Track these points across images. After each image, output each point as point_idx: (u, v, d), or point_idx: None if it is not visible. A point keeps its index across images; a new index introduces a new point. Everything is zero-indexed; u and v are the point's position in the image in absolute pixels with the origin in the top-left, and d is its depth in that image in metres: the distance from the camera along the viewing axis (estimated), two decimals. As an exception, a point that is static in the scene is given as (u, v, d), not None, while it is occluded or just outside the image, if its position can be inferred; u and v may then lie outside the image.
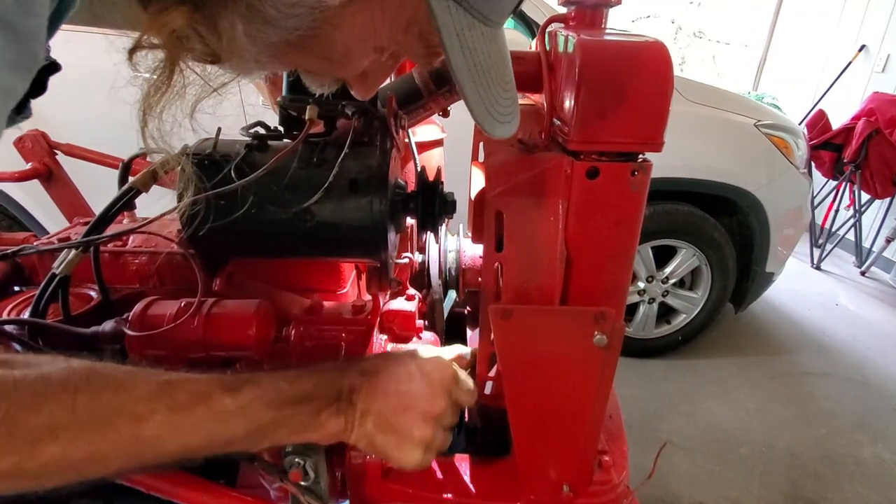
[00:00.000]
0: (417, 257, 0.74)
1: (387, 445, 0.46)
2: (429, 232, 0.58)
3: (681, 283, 2.12)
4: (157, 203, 0.58)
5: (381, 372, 0.47)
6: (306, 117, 0.50)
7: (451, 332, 0.87)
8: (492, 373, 0.59)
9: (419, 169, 0.59)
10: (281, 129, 0.56)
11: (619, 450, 0.68)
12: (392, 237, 0.56)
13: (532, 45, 0.83)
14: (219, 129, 0.53)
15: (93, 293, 0.67)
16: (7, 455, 0.31)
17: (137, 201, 0.59)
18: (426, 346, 0.59)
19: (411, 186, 0.61)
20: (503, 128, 0.39)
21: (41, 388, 0.32)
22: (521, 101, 0.75)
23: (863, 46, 3.52)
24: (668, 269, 2.05)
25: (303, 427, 0.43)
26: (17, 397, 0.31)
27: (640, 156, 0.49)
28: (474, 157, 0.85)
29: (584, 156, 0.49)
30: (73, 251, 0.56)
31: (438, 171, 0.58)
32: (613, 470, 0.64)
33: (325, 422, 0.44)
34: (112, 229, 0.57)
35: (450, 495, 0.62)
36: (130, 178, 0.58)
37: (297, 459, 0.52)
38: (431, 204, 0.55)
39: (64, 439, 0.32)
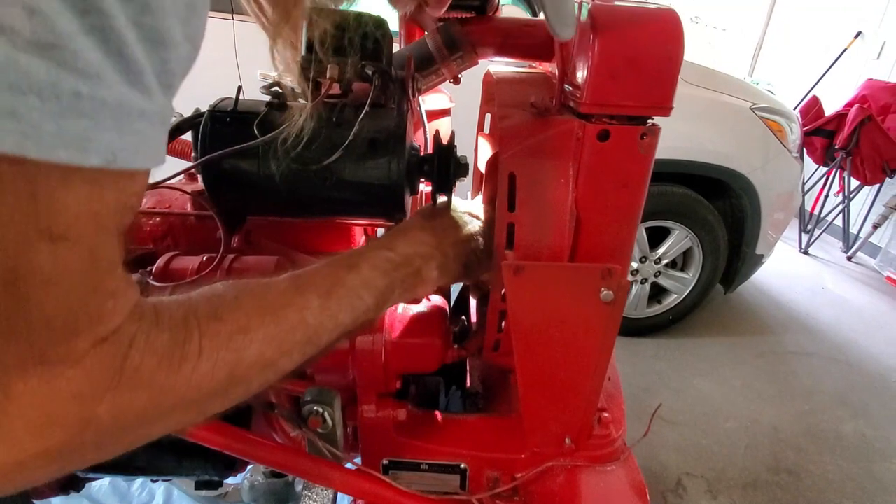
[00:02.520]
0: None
1: (466, 277, 0.58)
2: (442, 195, 0.60)
3: (672, 264, 2.16)
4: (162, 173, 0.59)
5: (449, 227, 0.56)
6: (327, 77, 0.51)
7: (458, 302, 0.89)
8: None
9: (434, 133, 0.60)
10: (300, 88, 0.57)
11: (618, 408, 0.72)
12: (407, 199, 0.58)
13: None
14: (239, 88, 0.55)
15: (164, 299, 0.69)
16: (221, 366, 0.32)
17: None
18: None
19: (422, 152, 0.62)
20: (569, 30, 0.44)
21: (209, 298, 0.34)
22: (531, 70, 0.76)
23: (859, 33, 3.55)
24: (660, 250, 2.09)
25: (412, 285, 0.49)
26: (198, 312, 0.32)
27: (649, 120, 0.51)
28: (480, 128, 0.86)
29: (595, 118, 0.51)
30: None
31: (452, 135, 0.60)
32: (612, 426, 0.68)
33: (428, 274, 0.51)
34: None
35: (458, 448, 0.66)
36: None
37: (315, 408, 0.55)
38: (447, 166, 0.57)
39: (255, 340, 0.34)
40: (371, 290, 0.44)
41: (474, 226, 0.58)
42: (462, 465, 0.65)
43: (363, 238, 0.78)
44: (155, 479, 0.71)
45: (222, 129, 0.52)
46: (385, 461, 0.65)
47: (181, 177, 0.61)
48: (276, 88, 0.55)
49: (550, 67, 0.70)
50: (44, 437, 0.25)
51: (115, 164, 0.24)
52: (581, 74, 0.51)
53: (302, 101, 0.58)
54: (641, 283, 2.13)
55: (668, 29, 0.49)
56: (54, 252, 0.23)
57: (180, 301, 0.32)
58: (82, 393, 0.26)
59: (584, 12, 0.51)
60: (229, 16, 1.71)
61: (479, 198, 0.67)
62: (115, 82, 0.23)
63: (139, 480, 1.22)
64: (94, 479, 0.75)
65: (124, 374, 0.27)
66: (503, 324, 0.61)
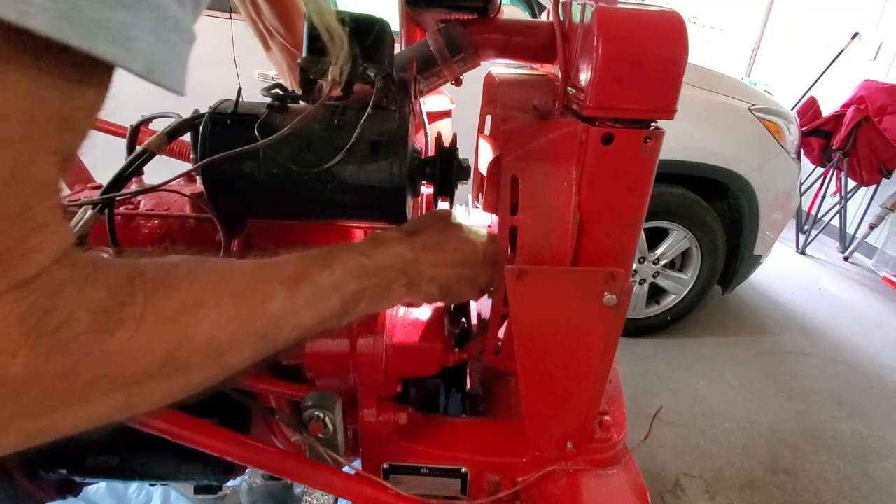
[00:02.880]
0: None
1: (442, 300, 0.55)
2: (444, 198, 0.59)
3: (671, 265, 2.16)
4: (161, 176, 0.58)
5: (441, 245, 0.51)
6: (328, 78, 0.51)
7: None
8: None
9: (435, 135, 0.60)
10: (299, 91, 0.57)
11: (619, 411, 0.72)
12: (409, 202, 0.57)
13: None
14: (239, 90, 0.54)
15: (105, 255, 0.68)
16: (162, 341, 0.27)
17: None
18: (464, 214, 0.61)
19: (423, 154, 0.62)
20: None
21: (162, 264, 0.29)
22: (533, 72, 0.76)
23: (856, 34, 3.56)
24: (659, 251, 2.09)
25: (379, 297, 0.46)
26: (146, 275, 0.28)
27: (653, 123, 0.51)
28: (481, 130, 0.86)
29: (599, 122, 0.51)
30: (90, 211, 0.56)
31: (454, 138, 0.59)
32: (614, 429, 0.67)
33: (396, 291, 0.48)
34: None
35: (458, 452, 0.65)
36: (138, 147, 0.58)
37: (316, 413, 0.54)
38: (448, 169, 0.57)
39: (207, 318, 0.30)
40: (340, 294, 0.41)
41: (468, 250, 0.53)
42: (463, 469, 0.65)
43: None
44: (153, 483, 0.70)
45: (222, 131, 0.51)
46: (386, 465, 0.65)
47: (180, 179, 0.60)
48: (277, 90, 0.54)
49: (552, 69, 0.70)
50: None
51: (154, 74, 0.21)
52: (584, 77, 0.51)
53: (303, 103, 0.58)
54: (640, 283, 2.13)
55: (672, 32, 0.48)
56: None
57: (127, 261, 0.28)
58: None
59: (589, 14, 0.51)
60: (227, 15, 1.69)
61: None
62: None
63: (136, 482, 1.21)
64: (90, 484, 0.74)
65: (46, 329, 0.22)
66: (505, 327, 0.60)
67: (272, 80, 0.63)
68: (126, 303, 0.26)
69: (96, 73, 0.22)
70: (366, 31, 0.54)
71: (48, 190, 0.22)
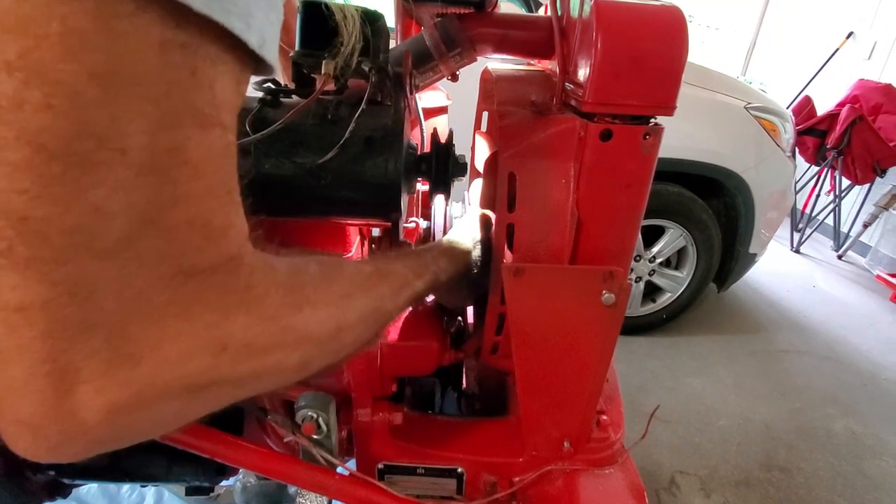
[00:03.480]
0: (423, 223, 0.75)
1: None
2: (440, 194, 0.59)
3: (667, 263, 2.17)
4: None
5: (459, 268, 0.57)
6: (322, 73, 0.50)
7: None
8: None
9: (431, 131, 0.59)
10: (292, 85, 0.56)
11: (616, 410, 0.71)
12: (404, 198, 0.56)
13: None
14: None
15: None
16: (331, 319, 0.33)
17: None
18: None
19: (419, 150, 0.61)
20: None
21: (315, 260, 0.34)
22: (529, 68, 0.75)
23: (850, 33, 3.57)
24: (655, 249, 2.09)
25: (423, 297, 0.51)
26: (308, 268, 0.33)
27: (652, 119, 0.50)
28: (477, 126, 0.85)
29: (597, 118, 0.50)
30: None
31: (450, 134, 0.58)
32: (611, 429, 0.67)
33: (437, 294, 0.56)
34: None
35: (454, 452, 0.64)
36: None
37: (310, 413, 0.53)
38: (444, 165, 0.56)
39: (355, 308, 0.35)
40: (417, 298, 0.47)
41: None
42: (459, 469, 0.64)
43: (358, 238, 0.77)
44: (144, 484, 0.69)
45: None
46: (380, 465, 0.64)
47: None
48: (269, 84, 0.53)
49: (550, 65, 0.69)
50: (188, 354, 0.24)
51: (264, 49, 0.23)
52: (583, 72, 0.50)
53: (296, 97, 0.56)
54: (636, 281, 2.13)
55: (672, 27, 0.48)
56: (204, 139, 0.22)
57: (286, 257, 0.32)
58: (219, 309, 0.25)
59: (587, 8, 0.50)
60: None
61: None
62: None
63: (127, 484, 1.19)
64: (80, 486, 0.73)
65: (252, 301, 0.26)
66: (501, 326, 0.60)
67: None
68: (302, 287, 0.31)
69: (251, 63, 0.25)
70: (362, 24, 0.53)
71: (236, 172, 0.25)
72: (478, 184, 0.63)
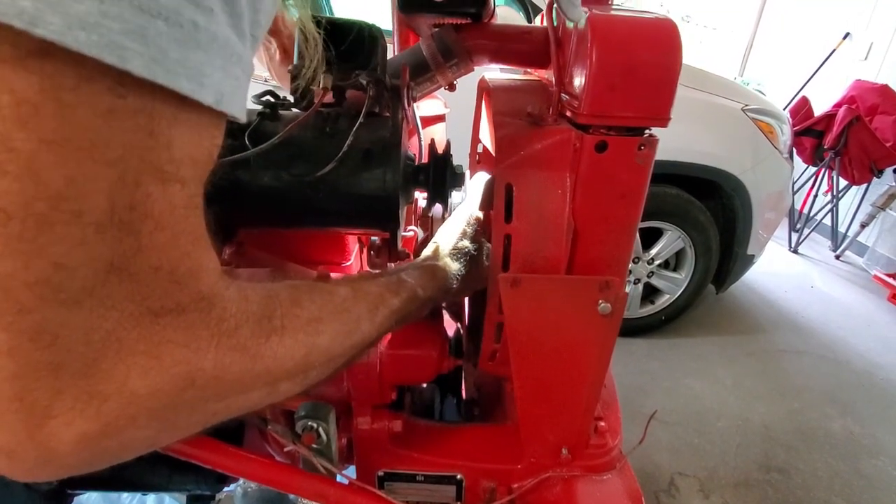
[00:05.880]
0: (421, 232, 0.75)
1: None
2: (437, 205, 0.59)
3: (665, 265, 2.17)
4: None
5: (470, 275, 0.58)
6: (320, 86, 0.50)
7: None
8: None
9: (429, 142, 0.59)
10: (291, 98, 0.56)
11: (614, 416, 0.72)
12: (402, 209, 0.57)
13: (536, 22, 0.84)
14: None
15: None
16: (300, 346, 0.33)
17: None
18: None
19: (417, 160, 0.62)
20: (579, 10, 0.46)
21: (288, 286, 0.35)
22: (526, 77, 0.76)
23: (847, 34, 3.58)
24: (653, 251, 2.10)
25: (416, 317, 0.52)
26: (280, 295, 0.33)
27: (647, 130, 0.51)
28: (475, 135, 0.86)
29: (593, 129, 0.50)
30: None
31: (447, 144, 0.59)
32: (608, 435, 0.68)
33: (424, 312, 0.53)
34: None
35: (454, 459, 0.65)
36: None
37: (309, 423, 0.54)
38: (442, 176, 0.56)
39: (326, 332, 0.36)
40: (399, 316, 0.46)
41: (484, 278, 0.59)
42: (458, 476, 0.65)
43: (357, 245, 0.77)
44: (146, 493, 0.69)
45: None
46: (380, 473, 0.65)
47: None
48: (268, 97, 0.54)
49: (546, 74, 0.69)
50: (156, 387, 0.25)
51: (222, 105, 0.24)
52: (578, 84, 0.50)
53: (295, 110, 0.57)
54: (634, 283, 2.14)
55: (666, 39, 0.48)
56: (165, 194, 0.23)
57: (259, 284, 0.33)
58: (188, 345, 0.26)
59: (583, 21, 0.51)
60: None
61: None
62: (223, 21, 0.23)
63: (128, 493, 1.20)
64: (81, 494, 0.74)
65: (223, 334, 0.27)
66: (499, 334, 0.60)
67: (265, 81, 0.63)
68: (271, 316, 0.31)
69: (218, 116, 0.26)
70: (344, 34, 0.53)
71: (203, 216, 0.26)
72: (479, 176, 0.63)
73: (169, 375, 0.25)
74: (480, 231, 0.61)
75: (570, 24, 0.47)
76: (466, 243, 0.58)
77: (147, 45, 0.20)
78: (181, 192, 0.24)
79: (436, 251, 0.58)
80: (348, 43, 0.53)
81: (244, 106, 0.26)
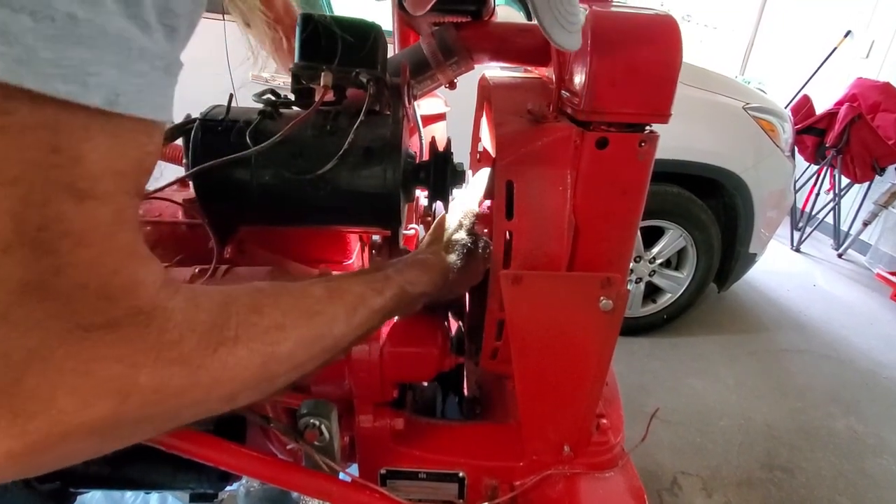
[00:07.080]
0: (422, 231, 0.76)
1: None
2: (438, 202, 0.59)
3: (667, 263, 2.17)
4: (155, 182, 0.58)
5: (465, 269, 0.56)
6: (321, 84, 0.50)
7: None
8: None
9: (429, 140, 0.59)
10: (292, 96, 0.56)
11: (616, 413, 0.72)
12: (403, 207, 0.57)
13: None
14: (231, 96, 0.53)
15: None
16: (256, 356, 0.32)
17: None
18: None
19: (417, 158, 0.62)
20: (571, 37, 0.42)
21: (250, 291, 0.34)
22: (526, 75, 0.76)
23: (848, 32, 3.58)
24: (655, 250, 2.09)
25: (407, 312, 0.52)
26: (238, 301, 0.32)
27: (648, 127, 0.51)
28: (475, 133, 0.86)
29: (593, 126, 0.50)
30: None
31: (448, 142, 0.59)
32: (611, 432, 0.67)
33: (418, 306, 0.52)
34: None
35: (456, 456, 0.65)
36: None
37: (312, 420, 0.54)
38: (443, 174, 0.56)
39: (289, 339, 0.34)
40: (383, 315, 0.45)
41: (480, 272, 0.58)
42: (460, 474, 0.65)
43: (358, 243, 0.77)
44: (148, 491, 0.70)
45: (213, 138, 0.51)
46: (383, 471, 0.65)
47: (173, 185, 0.59)
48: (269, 96, 0.54)
49: (547, 72, 0.69)
50: (86, 405, 0.24)
51: (117, 105, 0.22)
52: (579, 81, 0.51)
53: (296, 108, 0.57)
54: (636, 282, 2.13)
55: (666, 36, 0.48)
56: (82, 211, 0.22)
57: (219, 288, 0.32)
58: (122, 360, 0.25)
59: (583, 18, 0.51)
60: (220, 17, 1.68)
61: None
62: (114, 10, 0.21)
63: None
64: (84, 493, 0.74)
65: (163, 347, 0.27)
66: (500, 332, 0.60)
67: (266, 82, 0.63)
68: (224, 325, 0.30)
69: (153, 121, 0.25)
70: (359, 35, 0.54)
71: (139, 228, 0.26)
72: (482, 173, 0.62)
73: (102, 390, 0.25)
74: (480, 225, 0.61)
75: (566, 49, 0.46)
76: (463, 235, 0.56)
77: (10, 45, 0.18)
78: (102, 208, 0.23)
79: (430, 244, 0.57)
80: (350, 42, 0.53)
81: (165, 104, 0.24)
